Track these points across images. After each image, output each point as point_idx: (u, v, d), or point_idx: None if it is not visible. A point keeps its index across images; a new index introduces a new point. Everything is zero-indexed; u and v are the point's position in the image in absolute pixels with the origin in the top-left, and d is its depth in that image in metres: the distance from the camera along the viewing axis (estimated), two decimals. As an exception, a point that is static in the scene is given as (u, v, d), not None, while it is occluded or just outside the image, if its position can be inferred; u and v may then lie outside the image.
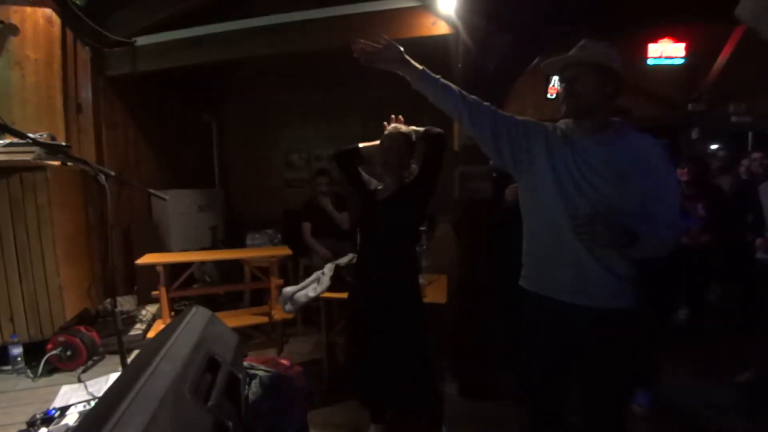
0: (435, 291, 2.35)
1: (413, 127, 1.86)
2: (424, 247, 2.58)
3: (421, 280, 2.00)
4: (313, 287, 2.47)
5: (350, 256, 2.64)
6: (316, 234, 3.56)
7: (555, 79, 4.21)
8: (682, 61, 4.03)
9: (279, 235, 4.23)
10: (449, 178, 2.50)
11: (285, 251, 3.18)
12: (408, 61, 1.36)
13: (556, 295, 1.31)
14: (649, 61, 4.04)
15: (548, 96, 4.23)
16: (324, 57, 3.90)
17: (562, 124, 1.36)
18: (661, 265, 1.53)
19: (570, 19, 2.21)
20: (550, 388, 1.41)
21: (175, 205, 4.08)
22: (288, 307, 2.52)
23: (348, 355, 1.97)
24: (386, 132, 1.85)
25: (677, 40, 4.01)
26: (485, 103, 1.37)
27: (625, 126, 1.29)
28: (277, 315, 2.88)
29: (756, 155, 3.17)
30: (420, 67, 1.37)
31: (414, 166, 1.87)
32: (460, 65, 2.45)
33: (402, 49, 1.36)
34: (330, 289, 2.45)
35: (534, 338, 1.41)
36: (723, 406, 2.22)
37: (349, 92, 4.59)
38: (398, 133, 1.82)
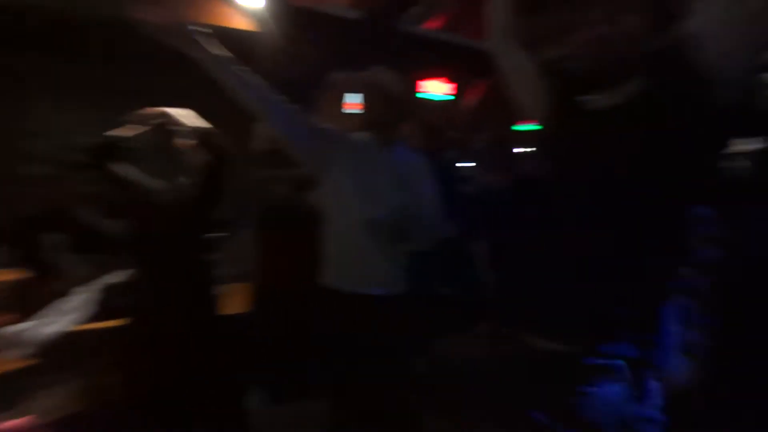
0: (236, 301, 2.28)
1: (170, 115, 1.52)
2: (223, 256, 2.38)
3: (222, 289, 1.86)
4: (60, 319, 1.91)
5: (119, 273, 2.15)
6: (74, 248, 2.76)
7: (351, 95, 4.56)
8: (451, 97, 5.06)
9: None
10: (248, 182, 2.36)
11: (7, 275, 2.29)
12: (205, 44, 1.19)
13: (356, 288, 1.41)
14: (421, 95, 4.88)
15: (342, 111, 4.56)
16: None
17: (361, 135, 1.50)
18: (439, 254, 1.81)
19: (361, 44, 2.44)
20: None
21: None
22: (16, 352, 1.85)
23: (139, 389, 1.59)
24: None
25: (447, 80, 5.01)
26: (292, 105, 1.35)
27: (404, 143, 1.57)
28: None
29: None
30: (222, 53, 1.22)
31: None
32: (262, 66, 2.36)
33: (205, 29, 1.18)
34: (97, 316, 1.99)
35: (335, 335, 1.46)
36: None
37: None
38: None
